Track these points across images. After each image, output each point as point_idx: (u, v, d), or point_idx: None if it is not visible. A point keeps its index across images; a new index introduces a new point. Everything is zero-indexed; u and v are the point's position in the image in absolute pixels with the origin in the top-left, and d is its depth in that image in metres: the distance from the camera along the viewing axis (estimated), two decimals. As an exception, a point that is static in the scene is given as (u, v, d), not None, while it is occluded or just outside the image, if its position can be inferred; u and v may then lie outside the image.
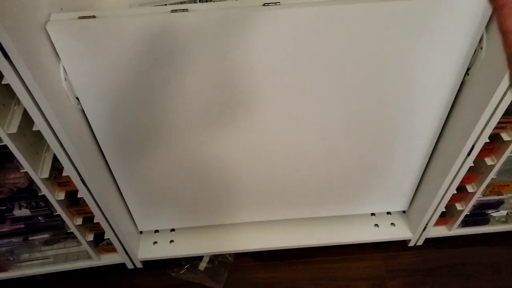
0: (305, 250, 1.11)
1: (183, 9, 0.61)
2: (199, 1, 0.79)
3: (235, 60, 0.67)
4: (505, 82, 0.67)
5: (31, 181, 0.77)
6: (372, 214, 1.13)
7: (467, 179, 0.91)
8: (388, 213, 1.13)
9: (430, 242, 1.12)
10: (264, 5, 0.61)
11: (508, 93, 0.69)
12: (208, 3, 0.79)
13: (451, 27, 0.65)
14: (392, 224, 1.11)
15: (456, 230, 1.09)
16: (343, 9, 0.62)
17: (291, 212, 1.06)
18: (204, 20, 0.61)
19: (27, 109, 0.61)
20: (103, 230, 0.93)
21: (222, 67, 0.68)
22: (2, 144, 0.67)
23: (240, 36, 0.64)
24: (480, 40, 0.68)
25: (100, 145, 0.80)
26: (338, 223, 1.12)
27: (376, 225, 1.11)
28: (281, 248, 1.10)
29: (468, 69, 0.73)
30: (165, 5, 0.81)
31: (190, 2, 0.80)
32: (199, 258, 1.12)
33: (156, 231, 1.12)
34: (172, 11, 0.61)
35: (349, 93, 0.75)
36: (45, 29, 0.60)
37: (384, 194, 1.01)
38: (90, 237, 0.97)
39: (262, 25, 0.63)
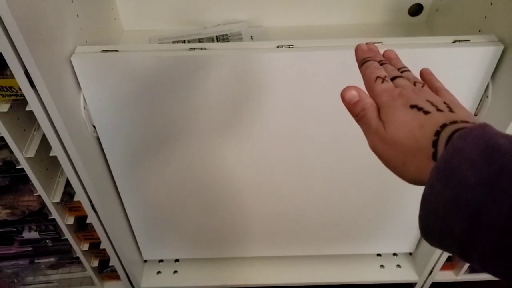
0: (308, 288, 1.10)
1: (201, 48, 0.64)
2: (217, 40, 0.83)
3: (250, 95, 0.70)
4: (510, 130, 0.68)
5: (43, 204, 0.79)
6: (378, 254, 1.12)
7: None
8: (394, 254, 1.12)
9: (437, 287, 1.10)
10: (278, 47, 0.64)
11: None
12: (225, 43, 0.83)
13: (457, 76, 0.67)
14: (398, 266, 1.10)
15: (463, 276, 1.07)
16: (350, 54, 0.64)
17: (297, 249, 1.06)
18: (220, 58, 0.64)
19: (47, 135, 0.64)
20: (108, 256, 0.94)
21: (237, 102, 0.71)
22: (19, 167, 0.69)
23: (254, 76, 0.67)
24: (486, 89, 0.70)
25: (112, 172, 0.82)
26: (343, 262, 1.11)
27: (381, 266, 1.10)
28: (285, 285, 1.09)
29: (474, 116, 0.74)
30: (184, 41, 0.85)
31: (208, 41, 0.84)
32: (202, 290, 1.12)
33: (161, 260, 1.12)
34: (191, 49, 0.64)
35: (359, 137, 0.76)
36: (70, 61, 0.64)
37: (390, 235, 1.01)
38: (95, 263, 0.97)
39: (275, 66, 0.66)
